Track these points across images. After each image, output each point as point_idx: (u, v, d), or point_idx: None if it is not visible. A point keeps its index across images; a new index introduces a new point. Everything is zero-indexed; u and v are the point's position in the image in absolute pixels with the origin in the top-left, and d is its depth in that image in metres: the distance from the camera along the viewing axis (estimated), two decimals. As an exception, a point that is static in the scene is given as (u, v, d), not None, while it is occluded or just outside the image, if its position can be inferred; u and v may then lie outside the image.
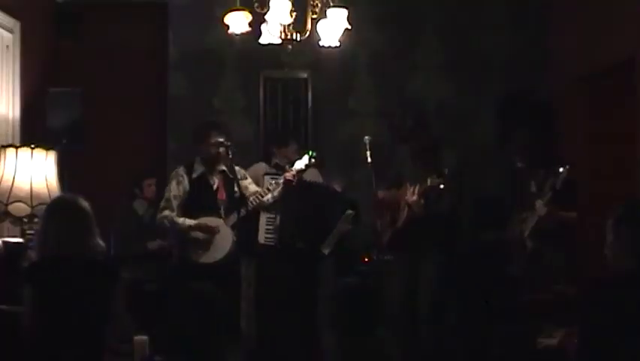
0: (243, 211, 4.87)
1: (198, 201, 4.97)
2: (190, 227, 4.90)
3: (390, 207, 5.25)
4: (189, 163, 5.05)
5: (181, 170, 5.01)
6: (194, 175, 5.00)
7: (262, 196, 5.10)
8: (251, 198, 5.03)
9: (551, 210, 4.72)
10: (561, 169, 4.62)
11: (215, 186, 5.04)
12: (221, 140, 4.94)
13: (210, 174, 5.03)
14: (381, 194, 5.24)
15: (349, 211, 5.38)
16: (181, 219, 4.92)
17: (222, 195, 5.08)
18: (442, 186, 4.89)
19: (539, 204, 4.75)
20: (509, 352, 4.76)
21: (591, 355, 2.78)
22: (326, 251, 5.43)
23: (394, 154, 5.64)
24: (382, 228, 5.33)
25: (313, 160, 5.18)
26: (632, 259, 2.83)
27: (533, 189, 4.98)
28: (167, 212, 4.92)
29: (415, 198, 5.01)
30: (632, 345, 2.70)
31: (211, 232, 4.93)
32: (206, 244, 4.93)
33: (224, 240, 4.99)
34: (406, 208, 5.12)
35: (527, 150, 5.04)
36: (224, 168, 5.05)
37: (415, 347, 5.03)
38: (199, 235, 4.92)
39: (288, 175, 5.11)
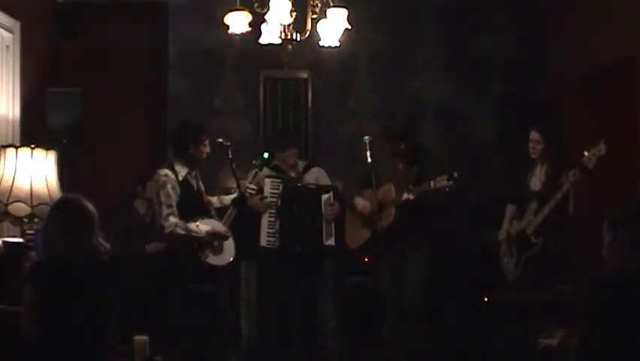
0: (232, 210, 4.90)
1: (188, 204, 4.94)
2: (207, 233, 4.90)
3: (366, 210, 5.11)
4: (169, 166, 4.97)
5: (170, 174, 4.92)
6: (180, 178, 4.95)
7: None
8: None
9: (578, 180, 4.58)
10: (597, 147, 4.47)
11: (195, 188, 5.05)
12: (220, 140, 5.01)
13: (191, 176, 5.03)
14: (358, 200, 5.15)
15: (325, 195, 5.36)
16: (194, 225, 4.87)
17: (206, 197, 5.11)
18: (447, 190, 4.76)
19: (572, 173, 4.58)
20: (509, 352, 4.76)
21: (591, 355, 2.78)
22: (330, 242, 5.38)
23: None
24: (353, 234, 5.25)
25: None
26: (631, 259, 2.83)
27: (535, 186, 4.96)
28: (173, 218, 4.84)
29: (411, 197, 4.89)
30: (632, 345, 2.70)
31: (224, 238, 4.97)
32: (218, 248, 4.98)
33: (230, 243, 5.04)
34: (393, 207, 4.98)
35: (538, 142, 4.95)
36: (198, 169, 5.08)
37: (415, 347, 5.02)
38: (213, 239, 4.94)
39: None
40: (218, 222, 5.04)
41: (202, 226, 4.89)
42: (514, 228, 5.00)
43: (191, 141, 4.97)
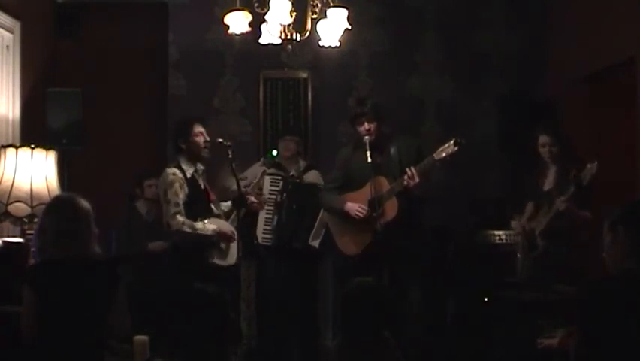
0: (242, 210, 4.82)
1: (195, 203, 4.90)
2: (214, 231, 4.82)
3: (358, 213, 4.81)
4: (177, 165, 4.89)
5: (178, 172, 4.85)
6: (188, 176, 4.90)
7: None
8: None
9: (571, 206, 4.64)
10: (589, 165, 4.51)
11: (202, 187, 5.00)
12: (220, 140, 4.93)
13: (197, 175, 4.99)
14: (351, 206, 4.84)
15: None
16: (200, 224, 4.79)
17: (212, 196, 5.03)
18: (456, 148, 4.57)
19: (560, 199, 4.66)
20: (509, 352, 4.76)
21: (590, 355, 2.78)
22: (315, 243, 5.39)
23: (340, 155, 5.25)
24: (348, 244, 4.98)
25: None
26: (631, 260, 2.83)
27: (547, 187, 4.95)
28: (180, 217, 4.74)
29: (415, 174, 4.64)
30: (632, 346, 2.70)
31: (230, 239, 4.89)
32: (224, 248, 4.89)
33: (235, 244, 4.97)
34: (393, 198, 4.74)
35: (552, 145, 4.95)
36: (202, 167, 5.01)
37: (415, 347, 5.01)
38: (220, 240, 4.88)
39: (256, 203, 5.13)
40: (225, 222, 4.97)
41: (209, 225, 4.84)
42: (527, 227, 4.98)
43: (178, 136, 4.92)
